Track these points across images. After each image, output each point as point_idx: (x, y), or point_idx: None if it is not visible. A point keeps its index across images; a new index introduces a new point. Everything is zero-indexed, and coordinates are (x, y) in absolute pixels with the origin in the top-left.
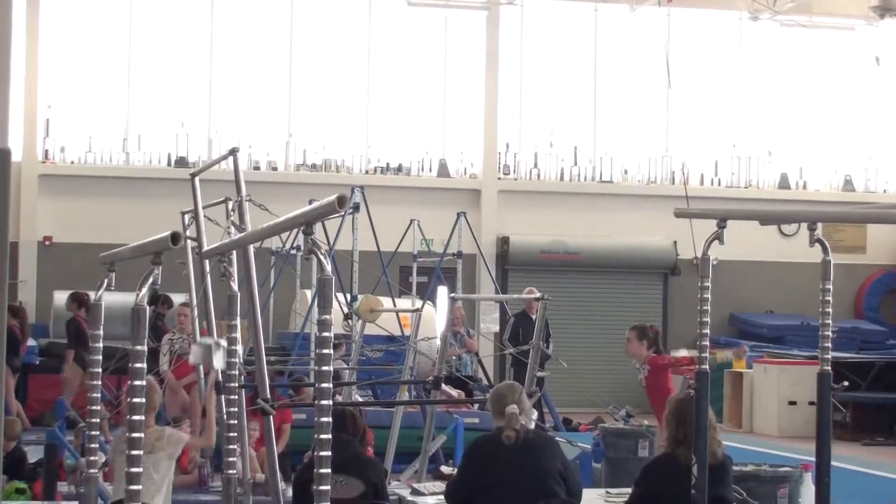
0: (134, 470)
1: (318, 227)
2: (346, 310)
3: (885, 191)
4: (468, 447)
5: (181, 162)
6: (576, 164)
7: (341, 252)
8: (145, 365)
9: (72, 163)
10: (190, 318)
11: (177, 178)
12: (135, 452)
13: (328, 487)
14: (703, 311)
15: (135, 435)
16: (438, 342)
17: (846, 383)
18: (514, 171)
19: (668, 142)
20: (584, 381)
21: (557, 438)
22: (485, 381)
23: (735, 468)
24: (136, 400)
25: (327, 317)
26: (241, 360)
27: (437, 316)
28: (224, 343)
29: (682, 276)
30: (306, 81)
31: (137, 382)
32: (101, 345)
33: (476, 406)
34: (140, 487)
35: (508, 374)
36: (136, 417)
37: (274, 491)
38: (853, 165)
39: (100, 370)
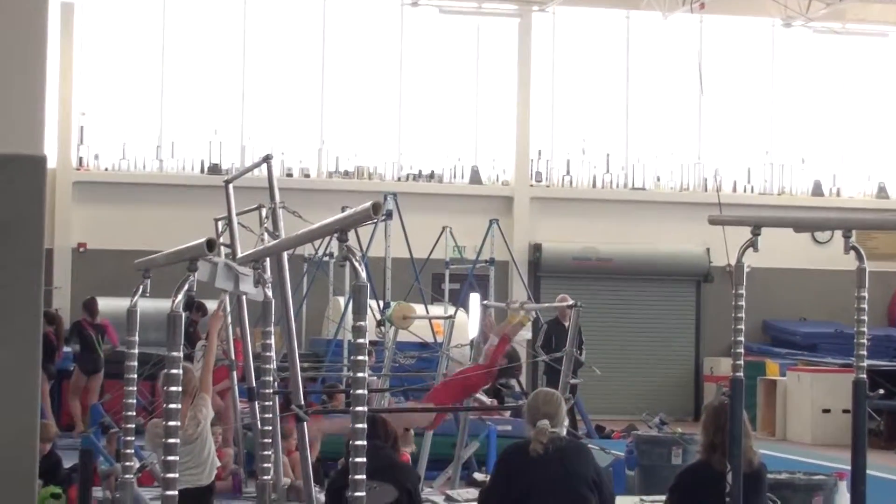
0: (171, 476)
1: (351, 234)
2: (378, 317)
3: None
4: (500, 455)
5: (214, 169)
6: (608, 171)
7: (374, 259)
8: (181, 371)
9: (106, 170)
10: (224, 325)
11: (210, 185)
12: (171, 458)
13: (363, 494)
14: (737, 319)
15: (171, 441)
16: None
17: (881, 391)
18: (547, 178)
19: (701, 149)
20: (617, 388)
21: (590, 446)
22: (517, 389)
23: (769, 476)
24: (172, 406)
25: (362, 323)
26: (275, 367)
27: (469, 323)
28: (247, 271)
29: (715, 284)
30: (339, 89)
31: (173, 388)
32: (136, 351)
33: (509, 413)
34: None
35: (541, 382)
36: (172, 423)
37: (307, 497)
38: (887, 172)
39: (135, 376)
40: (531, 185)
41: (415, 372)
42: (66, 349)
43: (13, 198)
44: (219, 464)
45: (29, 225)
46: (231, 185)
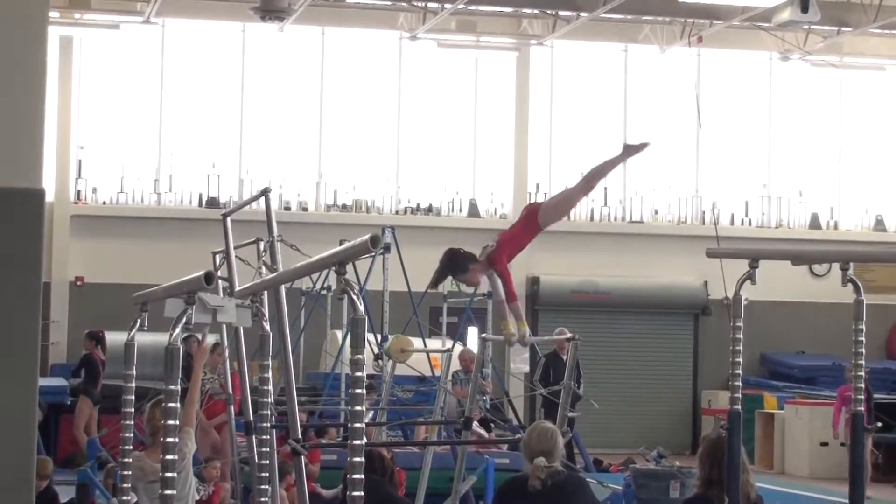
0: None
1: (349, 268)
2: (376, 350)
3: None
4: (498, 489)
5: (212, 203)
6: (606, 204)
7: (372, 292)
8: (179, 405)
9: (104, 203)
10: (221, 359)
11: (208, 219)
12: (168, 492)
13: None
14: (735, 352)
15: (168, 475)
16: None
17: (879, 424)
18: None
19: (699, 182)
20: (615, 421)
21: (588, 479)
22: (515, 422)
23: None
24: (169, 440)
25: (360, 356)
26: (272, 401)
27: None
28: (230, 301)
29: (713, 317)
30: (337, 122)
31: (171, 422)
32: (133, 385)
33: (506, 447)
34: None
35: (539, 415)
36: (169, 457)
37: None
38: (884, 205)
39: (132, 410)
40: None
41: (412, 405)
42: (63, 383)
43: (11, 231)
44: (197, 497)
45: (27, 258)
46: (229, 219)
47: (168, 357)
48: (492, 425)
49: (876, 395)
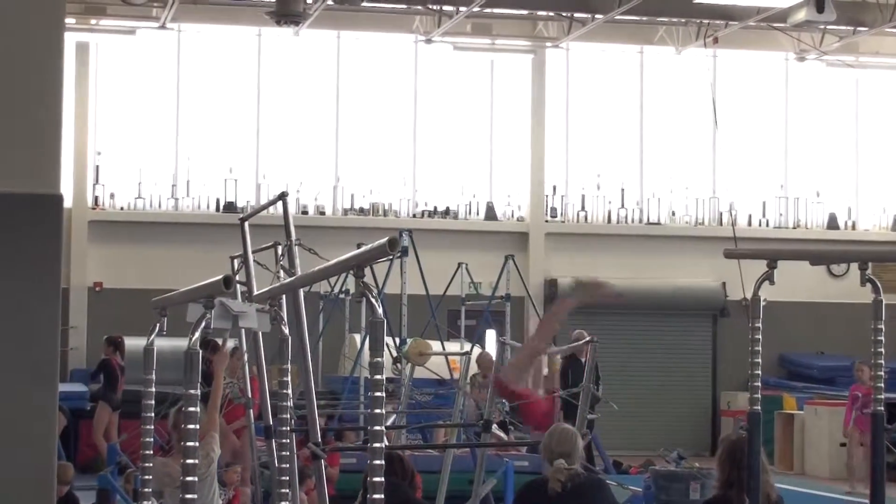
0: None
1: (366, 271)
2: (395, 353)
3: None
4: (518, 492)
5: (230, 207)
6: (623, 206)
7: (390, 296)
8: (199, 409)
9: (121, 209)
10: (240, 363)
11: (226, 224)
12: (189, 496)
13: None
14: (754, 353)
15: (189, 479)
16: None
17: None
18: (562, 213)
19: (716, 183)
20: (634, 423)
21: (608, 481)
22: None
23: None
24: (189, 444)
25: (379, 359)
26: (292, 405)
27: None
28: (251, 306)
29: (732, 318)
30: (353, 126)
31: (191, 426)
32: (153, 389)
33: (526, 449)
34: None
35: (558, 417)
36: (189, 461)
37: None
38: None
39: (152, 415)
40: (546, 221)
41: (431, 409)
42: (83, 388)
43: (30, 236)
44: (219, 501)
45: (46, 263)
46: (247, 223)
47: (187, 361)
48: (511, 428)
49: (891, 395)
